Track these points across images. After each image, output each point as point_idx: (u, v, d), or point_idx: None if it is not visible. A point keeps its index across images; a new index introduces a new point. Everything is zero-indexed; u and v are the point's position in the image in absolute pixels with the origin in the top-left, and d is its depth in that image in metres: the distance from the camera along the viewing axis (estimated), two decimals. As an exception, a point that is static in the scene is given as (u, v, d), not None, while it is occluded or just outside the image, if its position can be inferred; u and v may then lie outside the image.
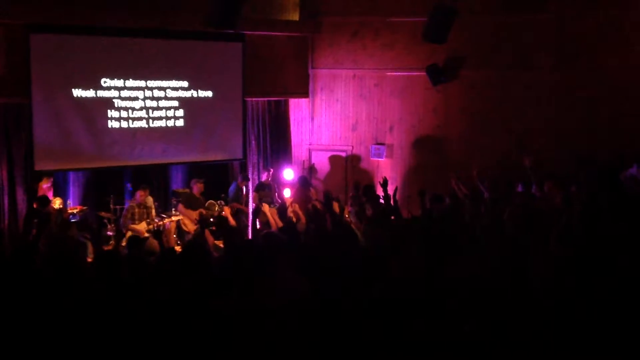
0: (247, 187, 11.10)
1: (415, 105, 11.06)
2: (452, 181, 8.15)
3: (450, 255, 4.70)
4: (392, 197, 7.24)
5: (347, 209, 8.58)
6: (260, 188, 10.71)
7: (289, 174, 11.35)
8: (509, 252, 4.87)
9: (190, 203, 10.00)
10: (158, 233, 7.30)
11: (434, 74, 10.46)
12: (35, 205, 8.42)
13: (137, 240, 6.18)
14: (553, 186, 7.05)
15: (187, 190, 10.51)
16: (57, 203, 9.18)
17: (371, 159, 11.42)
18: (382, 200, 7.56)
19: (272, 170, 11.06)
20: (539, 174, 7.78)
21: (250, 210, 11.04)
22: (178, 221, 9.99)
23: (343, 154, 11.68)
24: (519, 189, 7.86)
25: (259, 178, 11.44)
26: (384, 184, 6.87)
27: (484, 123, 10.52)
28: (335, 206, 7.62)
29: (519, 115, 10.32)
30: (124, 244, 7.53)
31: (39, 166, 9.42)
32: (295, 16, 11.42)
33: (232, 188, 10.82)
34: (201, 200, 10.21)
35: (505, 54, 10.33)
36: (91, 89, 9.72)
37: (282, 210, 10.02)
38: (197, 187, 10.16)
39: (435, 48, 10.29)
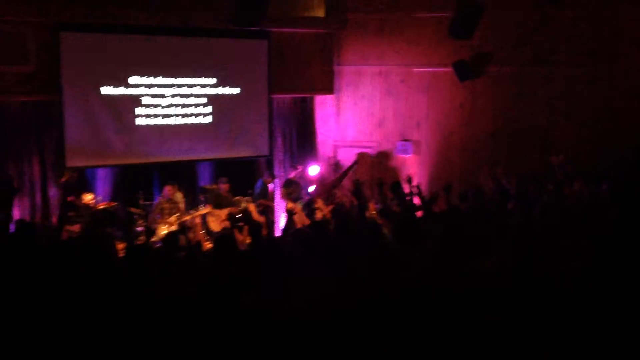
0: (273, 184, 11.16)
1: (442, 101, 11.02)
2: (480, 177, 8.13)
3: (477, 251, 4.69)
4: (418, 193, 7.24)
5: (372, 205, 8.59)
6: (288, 184, 10.77)
7: (314, 170, 11.38)
8: (537, 249, 4.85)
9: (218, 202, 10.09)
10: (183, 229, 7.36)
11: (461, 69, 10.41)
12: (70, 199, 8.64)
13: (174, 235, 6.24)
14: (582, 184, 7.00)
15: (215, 186, 10.60)
16: (88, 198, 9.35)
17: (397, 155, 11.41)
18: (408, 197, 7.56)
19: (300, 167, 11.11)
20: (568, 171, 7.73)
21: (276, 207, 11.11)
22: (204, 216, 10.06)
23: (369, 151, 11.68)
24: (549, 186, 7.80)
25: (285, 175, 11.50)
26: (410, 181, 6.87)
27: (511, 119, 10.44)
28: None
29: (546, 111, 10.23)
30: (154, 239, 7.63)
31: (70, 163, 9.58)
32: (320, 13, 11.44)
33: (258, 185, 10.90)
34: (229, 198, 10.29)
35: (532, 49, 10.23)
36: (120, 87, 9.86)
37: (308, 206, 10.05)
38: (223, 186, 10.26)
39: (461, 43, 10.24)
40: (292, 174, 11.03)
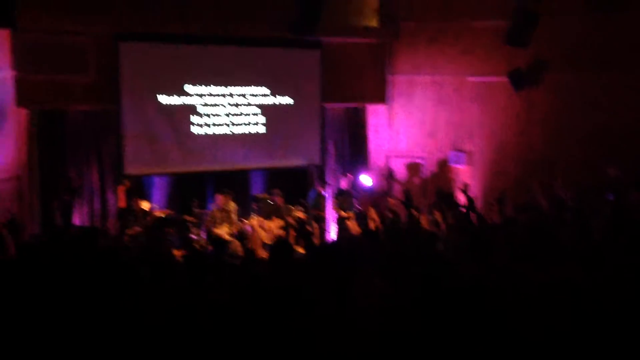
0: (325, 193, 11.19)
1: (497, 111, 10.86)
2: (535, 188, 7.99)
3: (535, 262, 4.62)
4: (472, 203, 7.15)
5: (424, 216, 8.53)
6: (340, 194, 10.80)
7: (366, 180, 11.37)
8: (596, 261, 4.74)
9: (270, 212, 10.17)
10: (241, 235, 7.48)
11: (517, 79, 10.25)
12: (130, 205, 8.90)
13: (221, 242, 6.35)
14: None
15: (267, 196, 10.68)
16: (144, 206, 9.56)
17: (450, 165, 11.30)
18: (462, 208, 7.48)
19: (350, 175, 11.12)
20: (626, 183, 7.52)
21: (328, 217, 11.12)
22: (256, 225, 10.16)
23: (421, 161, 11.60)
24: (609, 197, 7.60)
25: (337, 184, 11.53)
26: (465, 191, 6.80)
27: (568, 128, 10.20)
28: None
29: (606, 121, 9.97)
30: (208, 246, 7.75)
31: (128, 170, 9.80)
32: (373, 22, 11.44)
33: (311, 195, 10.96)
34: (281, 208, 10.36)
35: (590, 56, 9.95)
36: (176, 95, 10.05)
37: (360, 216, 10.06)
38: (277, 198, 10.38)
39: (516, 52, 10.08)
40: (343, 184, 11.05)
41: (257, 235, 9.80)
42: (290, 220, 10.09)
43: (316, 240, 6.80)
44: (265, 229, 9.95)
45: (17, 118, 8.94)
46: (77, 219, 9.32)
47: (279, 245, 5.00)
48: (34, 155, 9.22)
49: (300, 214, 10.47)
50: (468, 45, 10.96)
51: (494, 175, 10.86)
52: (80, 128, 9.60)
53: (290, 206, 10.68)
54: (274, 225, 9.84)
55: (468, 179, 10.81)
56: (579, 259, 4.82)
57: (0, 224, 5.21)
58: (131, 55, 9.62)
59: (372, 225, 8.42)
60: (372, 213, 9.23)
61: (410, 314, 3.90)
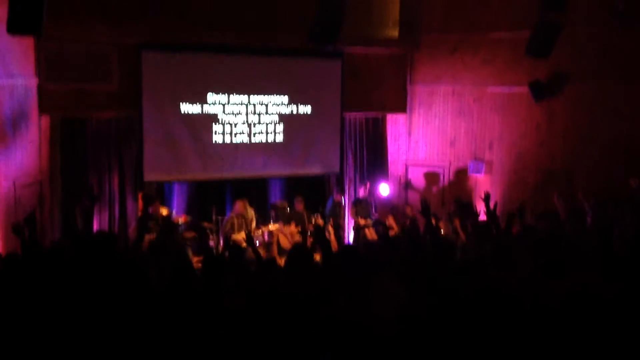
0: (343, 201, 11.21)
1: (517, 122, 10.81)
2: (555, 198, 7.93)
3: (555, 271, 4.58)
4: (492, 212, 7.09)
5: (442, 224, 8.49)
6: (357, 203, 10.79)
7: (385, 189, 11.36)
8: (617, 270, 4.69)
9: (288, 219, 10.20)
10: (251, 240, 7.46)
11: (538, 89, 10.21)
12: (149, 211, 9.00)
13: (238, 248, 6.37)
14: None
15: (285, 203, 10.72)
16: (164, 212, 9.64)
17: (470, 174, 11.25)
18: (483, 216, 7.43)
19: (369, 184, 11.12)
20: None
21: (346, 224, 11.13)
22: (274, 232, 10.19)
23: (440, 170, 11.57)
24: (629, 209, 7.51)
25: (355, 192, 11.54)
26: (487, 199, 6.75)
27: (589, 139, 10.13)
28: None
29: (627, 131, 9.87)
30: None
31: (148, 177, 9.90)
32: (394, 32, 11.47)
33: (329, 203, 10.98)
34: (301, 215, 10.39)
35: (612, 67, 9.88)
36: (197, 104, 10.14)
37: (378, 224, 10.02)
38: (298, 205, 10.42)
39: (537, 63, 10.03)
40: (361, 192, 11.05)
41: (276, 242, 9.83)
42: (309, 227, 10.11)
43: (334, 247, 6.77)
44: (284, 235, 9.98)
45: (39, 125, 9.06)
46: (96, 225, 9.42)
47: (297, 252, 5.00)
48: (55, 161, 9.34)
49: (319, 221, 10.49)
50: (489, 55, 10.95)
51: (513, 185, 10.81)
52: (102, 135, 9.70)
53: (310, 213, 10.71)
54: (292, 232, 9.85)
55: (488, 188, 10.76)
56: (600, 268, 4.77)
57: (19, 221, 5.27)
58: (153, 64, 9.73)
59: (390, 233, 8.38)
60: (391, 221, 9.20)
61: (426, 321, 3.88)
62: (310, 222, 10.35)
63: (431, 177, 11.63)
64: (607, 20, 9.79)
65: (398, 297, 4.01)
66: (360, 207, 10.65)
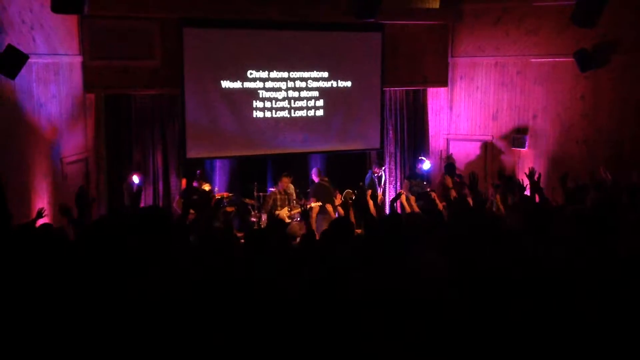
0: (382, 175, 11.18)
1: (561, 93, 10.58)
2: (601, 171, 7.76)
3: (598, 241, 4.50)
4: (537, 185, 7.00)
5: (498, 198, 8.42)
6: (412, 177, 10.78)
7: (426, 163, 11.29)
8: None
9: (320, 194, 10.21)
10: (305, 214, 7.47)
11: (583, 59, 9.95)
12: (194, 184, 9.20)
13: (280, 223, 6.41)
14: None
15: (325, 178, 10.73)
16: (206, 188, 9.77)
17: (513, 148, 11.08)
18: (527, 192, 7.33)
19: (425, 159, 11.10)
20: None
21: (385, 198, 11.14)
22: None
23: (482, 144, 11.42)
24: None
25: (395, 168, 11.50)
26: (531, 175, 6.66)
27: (636, 111, 9.85)
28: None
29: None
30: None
31: (191, 154, 10.02)
32: (435, 4, 11.30)
33: (367, 177, 10.96)
34: (331, 190, 10.40)
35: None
36: (238, 81, 10.19)
37: (423, 196, 9.97)
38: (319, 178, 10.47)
39: (582, 33, 9.76)
40: (419, 165, 11.02)
41: (314, 217, 9.88)
42: (350, 196, 10.14)
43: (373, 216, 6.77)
44: (322, 211, 10.02)
45: (84, 102, 9.25)
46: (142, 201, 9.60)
47: (340, 223, 5.01)
48: (101, 138, 9.54)
49: (360, 193, 10.49)
50: (533, 25, 10.70)
51: (557, 158, 10.61)
52: (146, 111, 9.87)
53: (349, 190, 10.70)
54: (330, 208, 9.88)
55: (531, 161, 10.60)
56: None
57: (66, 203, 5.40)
58: (195, 40, 9.79)
59: (435, 206, 8.33)
60: (435, 195, 9.15)
61: (465, 291, 3.87)
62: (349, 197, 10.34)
63: (473, 151, 11.49)
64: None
65: (438, 266, 4.00)
66: (415, 181, 10.64)
